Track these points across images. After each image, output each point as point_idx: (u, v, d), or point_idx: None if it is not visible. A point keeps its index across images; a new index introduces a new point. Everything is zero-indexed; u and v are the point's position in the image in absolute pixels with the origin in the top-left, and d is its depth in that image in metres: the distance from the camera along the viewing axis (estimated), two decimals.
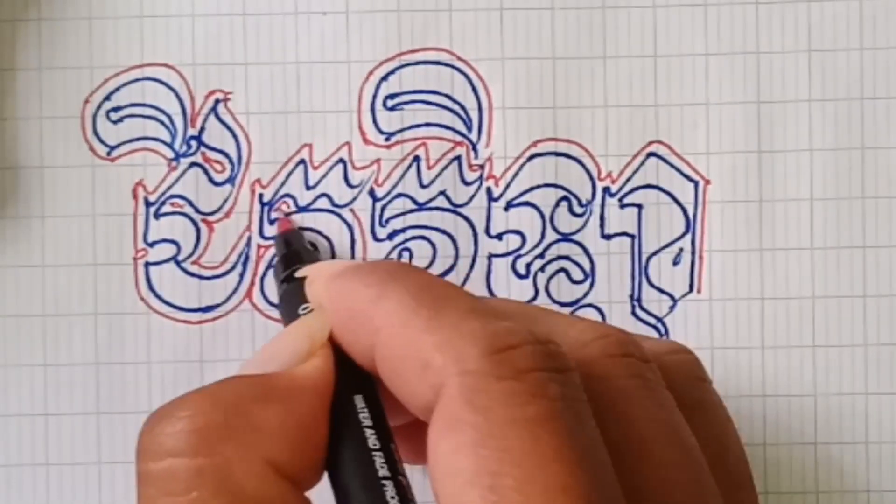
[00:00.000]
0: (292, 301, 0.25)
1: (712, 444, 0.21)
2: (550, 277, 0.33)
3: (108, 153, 0.33)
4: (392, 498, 0.20)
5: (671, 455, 0.20)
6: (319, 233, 0.33)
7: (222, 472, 0.19)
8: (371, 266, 0.22)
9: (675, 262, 0.33)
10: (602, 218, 0.33)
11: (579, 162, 0.33)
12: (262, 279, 0.33)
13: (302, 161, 0.33)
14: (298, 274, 0.25)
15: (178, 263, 0.33)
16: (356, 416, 0.21)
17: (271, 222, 0.33)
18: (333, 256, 0.33)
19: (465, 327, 0.19)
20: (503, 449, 0.18)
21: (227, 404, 0.20)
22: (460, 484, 0.18)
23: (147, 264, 0.33)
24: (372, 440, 0.21)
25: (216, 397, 0.20)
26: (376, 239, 0.33)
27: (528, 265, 0.33)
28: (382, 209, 0.33)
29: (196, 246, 0.33)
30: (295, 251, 0.31)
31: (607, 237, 0.33)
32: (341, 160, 0.33)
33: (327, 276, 0.23)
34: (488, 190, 0.33)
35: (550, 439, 0.18)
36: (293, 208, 0.33)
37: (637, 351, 0.21)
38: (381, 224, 0.33)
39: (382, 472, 0.20)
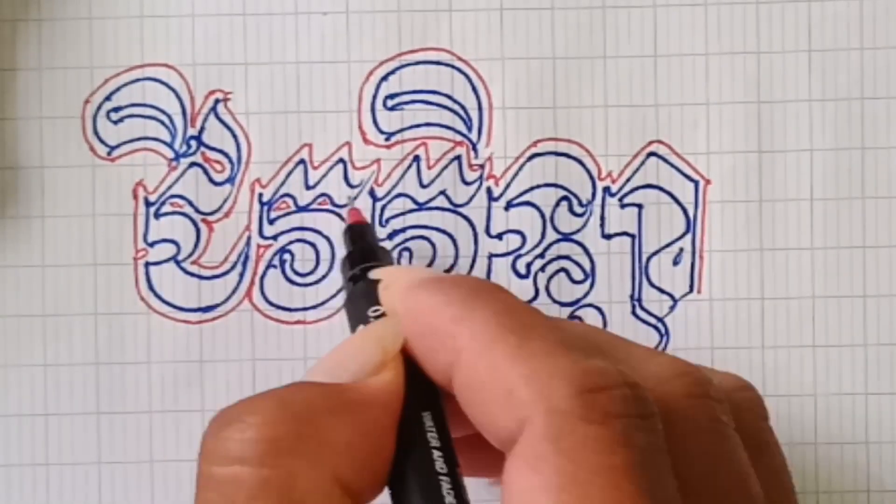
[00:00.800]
0: (362, 301, 0.24)
1: (773, 490, 0.21)
2: (551, 277, 0.33)
3: (109, 153, 0.33)
4: None
5: None
6: (319, 232, 0.33)
7: (288, 484, 0.19)
8: (453, 280, 0.22)
9: (676, 262, 0.33)
10: (602, 218, 0.33)
11: (579, 162, 0.33)
12: (261, 279, 0.33)
13: (302, 161, 0.33)
14: (372, 275, 0.25)
15: (178, 263, 0.33)
16: (424, 436, 0.21)
17: (271, 222, 0.33)
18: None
19: (554, 362, 0.19)
20: (584, 496, 0.18)
21: (298, 414, 0.20)
22: None
23: (147, 264, 0.33)
24: (440, 463, 0.20)
25: (287, 405, 0.20)
26: None
27: (529, 265, 0.33)
28: (382, 209, 0.33)
29: (196, 246, 0.33)
30: (369, 247, 0.30)
31: (607, 237, 0.33)
32: (341, 160, 0.33)
33: (406, 284, 0.22)
34: (488, 190, 0.33)
35: (633, 491, 0.18)
36: (293, 208, 0.33)
37: (714, 392, 0.21)
38: (381, 224, 0.33)
39: (449, 498, 0.20)
